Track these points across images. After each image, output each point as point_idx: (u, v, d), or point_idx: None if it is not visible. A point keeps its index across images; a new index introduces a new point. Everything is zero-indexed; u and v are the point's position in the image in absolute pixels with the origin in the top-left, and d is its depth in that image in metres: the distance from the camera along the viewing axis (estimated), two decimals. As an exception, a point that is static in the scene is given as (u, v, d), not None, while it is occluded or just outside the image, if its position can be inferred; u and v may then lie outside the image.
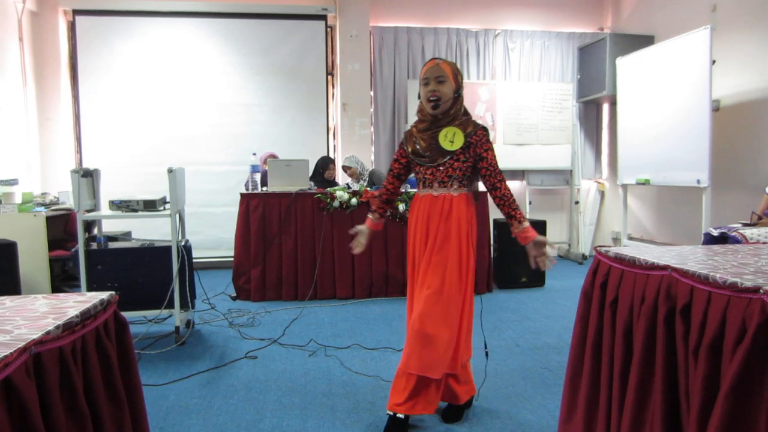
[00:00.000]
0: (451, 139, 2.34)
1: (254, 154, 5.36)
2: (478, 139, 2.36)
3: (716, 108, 5.19)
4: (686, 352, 1.48)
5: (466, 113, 2.45)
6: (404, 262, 4.96)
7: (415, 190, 5.08)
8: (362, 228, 2.60)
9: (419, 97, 2.42)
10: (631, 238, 6.46)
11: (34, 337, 1.03)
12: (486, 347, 2.88)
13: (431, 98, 2.32)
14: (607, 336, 1.85)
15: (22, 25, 5.75)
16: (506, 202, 2.38)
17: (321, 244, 4.81)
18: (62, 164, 6.15)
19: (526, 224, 2.36)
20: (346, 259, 4.90)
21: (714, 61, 4.77)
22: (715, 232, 3.80)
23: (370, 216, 2.62)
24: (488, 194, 2.47)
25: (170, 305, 3.62)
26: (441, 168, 2.38)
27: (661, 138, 5.38)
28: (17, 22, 5.70)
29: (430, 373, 2.30)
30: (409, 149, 2.44)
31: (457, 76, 2.39)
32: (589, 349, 1.94)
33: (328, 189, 4.88)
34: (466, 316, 2.45)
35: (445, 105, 2.34)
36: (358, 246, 2.59)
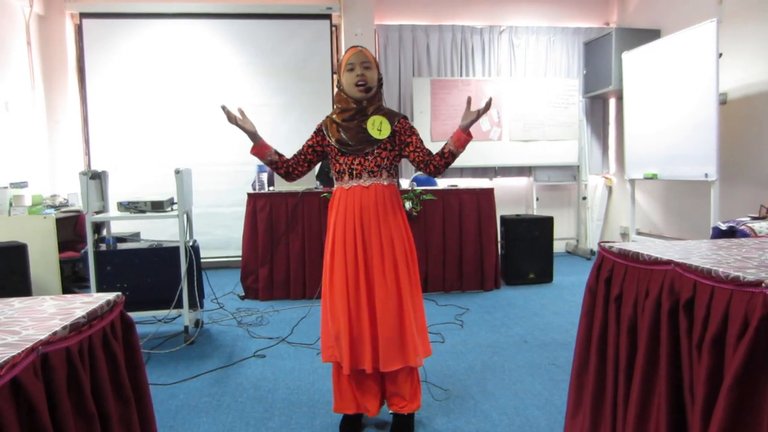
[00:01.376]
0: (378, 127, 2.31)
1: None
2: (402, 126, 2.36)
3: (723, 101, 5.15)
4: (690, 346, 1.48)
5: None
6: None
7: (424, 187, 5.12)
8: (251, 127, 2.38)
9: (338, 86, 2.37)
10: (639, 233, 6.43)
11: (42, 337, 1.05)
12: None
13: (359, 83, 2.27)
14: (612, 331, 1.85)
15: (29, 28, 5.80)
16: (441, 152, 2.31)
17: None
18: (71, 166, 6.19)
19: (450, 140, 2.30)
20: (353, 258, 4.91)
21: (721, 54, 4.73)
22: (724, 226, 3.78)
23: (271, 147, 2.44)
24: (432, 169, 2.33)
25: (179, 305, 3.65)
26: (369, 157, 2.33)
27: (668, 132, 5.35)
28: (25, 26, 5.75)
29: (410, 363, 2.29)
30: (333, 139, 2.35)
31: (378, 65, 2.39)
32: (594, 344, 1.94)
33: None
34: (419, 306, 2.40)
35: (373, 91, 2.33)
36: (233, 116, 2.36)
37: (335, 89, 2.42)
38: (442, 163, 2.32)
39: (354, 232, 2.31)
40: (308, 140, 2.45)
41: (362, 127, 2.31)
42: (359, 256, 2.30)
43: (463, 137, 2.27)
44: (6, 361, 0.92)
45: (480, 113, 2.23)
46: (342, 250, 2.32)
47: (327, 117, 2.43)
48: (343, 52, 6.57)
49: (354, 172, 2.35)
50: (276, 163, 2.44)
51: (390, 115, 2.36)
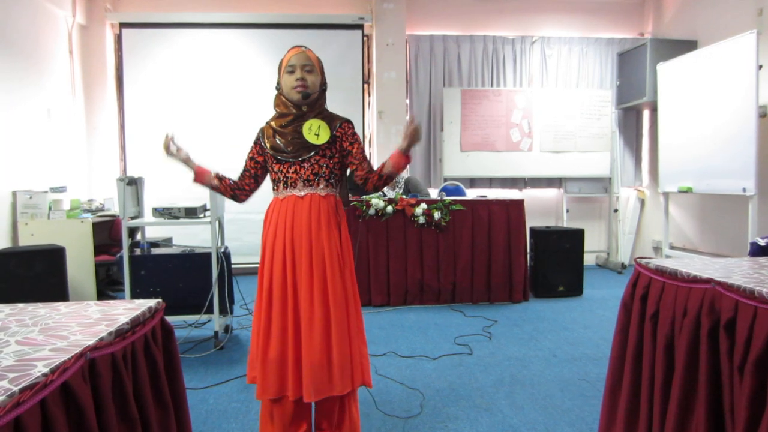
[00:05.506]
0: (316, 132, 2.12)
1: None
2: (344, 131, 2.17)
3: (763, 114, 5.04)
4: (731, 368, 1.45)
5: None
6: (440, 270, 4.98)
7: (453, 197, 5.12)
8: (184, 155, 2.34)
9: (277, 88, 2.19)
10: (672, 248, 6.31)
11: (89, 343, 1.08)
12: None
13: (298, 88, 2.10)
14: (647, 349, 1.82)
15: (72, 38, 5.98)
16: (379, 173, 2.14)
17: (356, 251, 4.85)
18: (107, 171, 6.35)
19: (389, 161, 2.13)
20: (381, 267, 4.93)
21: (761, 66, 4.64)
22: (763, 242, 3.68)
23: (210, 171, 2.34)
24: (371, 188, 2.20)
25: (209, 310, 3.70)
26: (306, 165, 2.12)
27: (705, 145, 5.25)
28: (67, 36, 5.93)
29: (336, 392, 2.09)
30: (268, 145, 2.16)
31: (323, 70, 2.21)
32: (629, 362, 1.91)
33: (364, 197, 4.92)
34: (357, 331, 2.19)
35: (313, 96, 2.14)
36: (168, 148, 2.33)
37: (276, 92, 2.21)
38: (380, 184, 2.16)
39: (283, 247, 2.11)
40: (249, 153, 2.27)
41: (298, 132, 2.13)
42: (288, 273, 2.10)
43: (403, 161, 2.10)
44: (57, 366, 0.95)
45: (410, 137, 2.04)
46: (270, 266, 2.13)
47: (265, 124, 2.24)
48: (374, 62, 6.64)
49: (288, 181, 2.15)
50: (218, 188, 2.31)
51: (330, 119, 2.18)
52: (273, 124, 2.19)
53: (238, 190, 2.32)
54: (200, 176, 2.32)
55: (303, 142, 2.12)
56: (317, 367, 2.04)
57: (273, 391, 2.09)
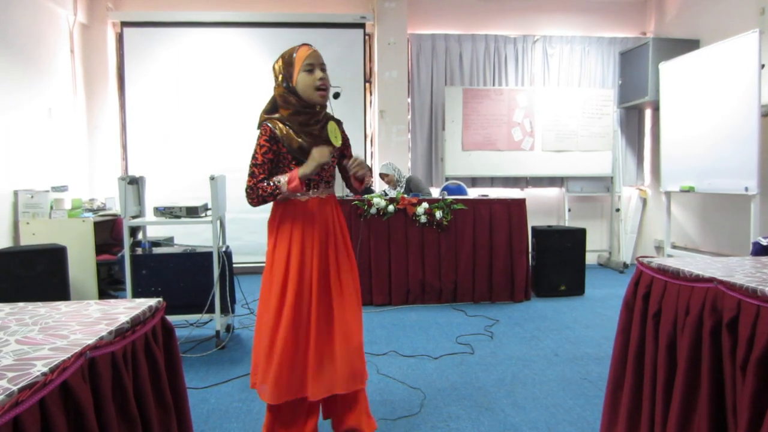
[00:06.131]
0: (334, 134, 2.18)
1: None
2: (345, 135, 2.26)
3: (766, 113, 5.02)
4: (733, 367, 1.44)
5: None
6: (441, 269, 4.97)
7: (455, 196, 5.11)
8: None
9: (285, 85, 2.10)
10: (674, 247, 6.30)
11: (89, 342, 1.08)
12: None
13: (322, 86, 2.07)
14: (649, 349, 1.82)
15: (73, 37, 5.98)
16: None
17: (358, 251, 4.85)
18: (109, 171, 6.36)
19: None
20: (382, 266, 4.92)
21: (763, 66, 4.63)
22: (765, 242, 3.67)
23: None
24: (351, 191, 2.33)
25: (211, 310, 3.70)
26: (325, 166, 2.14)
27: (707, 144, 5.24)
28: (69, 35, 5.92)
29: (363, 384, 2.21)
30: (294, 146, 2.08)
31: None
32: (631, 361, 1.90)
33: (365, 196, 4.91)
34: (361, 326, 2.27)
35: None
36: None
37: (279, 88, 2.13)
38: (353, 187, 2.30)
39: (312, 248, 2.11)
40: (265, 154, 2.09)
41: (322, 134, 2.15)
42: (320, 271, 2.13)
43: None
44: (57, 365, 0.94)
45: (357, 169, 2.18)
46: (298, 267, 2.10)
47: (271, 121, 2.11)
48: (376, 61, 6.63)
49: (311, 183, 2.14)
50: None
51: (338, 121, 2.25)
52: (291, 123, 2.10)
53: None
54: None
55: (329, 144, 2.14)
56: (354, 355, 2.13)
57: (291, 392, 2.08)
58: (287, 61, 2.10)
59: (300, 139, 2.09)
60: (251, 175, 2.10)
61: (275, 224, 2.17)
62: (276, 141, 2.09)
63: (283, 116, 2.12)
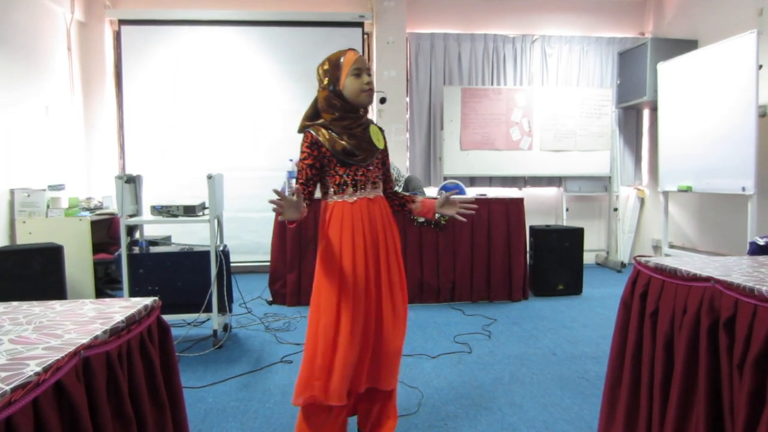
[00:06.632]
0: (377, 137, 2.23)
1: (291, 160, 5.43)
2: (386, 142, 2.31)
3: (763, 114, 5.03)
4: (730, 366, 1.44)
5: None
6: (439, 269, 4.97)
7: (454, 196, 5.08)
8: (297, 204, 1.97)
9: (331, 89, 2.11)
10: (672, 246, 6.30)
11: (84, 341, 1.07)
12: None
13: (369, 90, 2.12)
14: (647, 348, 1.82)
15: (70, 35, 5.97)
16: (397, 192, 2.38)
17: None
18: (106, 169, 6.34)
19: (419, 199, 2.36)
20: (380, 265, 4.91)
21: (761, 66, 4.63)
22: (762, 241, 3.67)
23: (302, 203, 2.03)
24: (386, 198, 2.33)
25: (208, 309, 3.69)
26: (371, 168, 2.18)
27: (704, 144, 5.24)
28: (66, 32, 5.91)
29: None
30: (338, 149, 2.10)
31: None
32: (628, 360, 1.90)
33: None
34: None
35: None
36: (288, 214, 1.97)
37: (325, 92, 2.14)
38: (396, 210, 2.34)
39: (364, 248, 2.14)
40: (305, 161, 2.11)
41: (366, 136, 2.18)
42: (372, 272, 2.15)
43: (430, 204, 2.31)
44: (50, 364, 0.94)
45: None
46: (352, 269, 2.11)
47: (314, 128, 2.13)
48: (374, 60, 6.62)
49: (358, 184, 2.16)
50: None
51: (380, 128, 2.31)
52: (334, 128, 2.12)
53: (307, 204, 2.12)
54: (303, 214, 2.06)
55: (371, 146, 2.18)
56: (397, 353, 2.23)
57: (343, 396, 2.09)
58: (334, 64, 2.13)
59: (344, 142, 2.11)
60: (296, 179, 2.19)
61: (325, 226, 2.21)
62: (318, 146, 2.11)
63: (326, 121, 2.15)
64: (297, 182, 2.14)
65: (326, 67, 2.15)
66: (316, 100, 2.20)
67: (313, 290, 2.20)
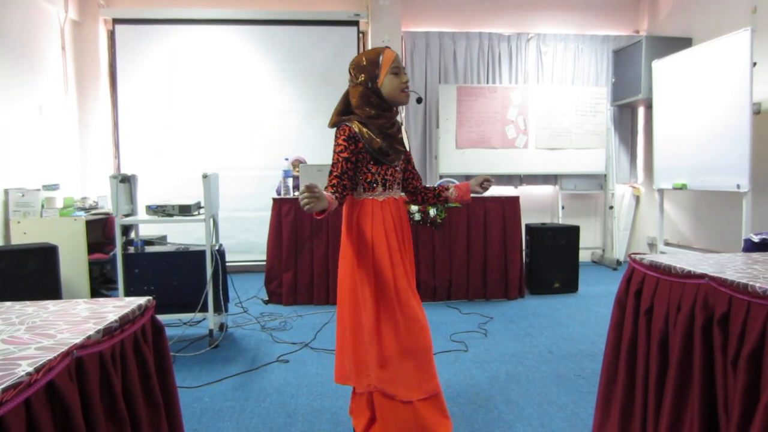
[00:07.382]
0: (407, 137, 2.29)
1: (287, 159, 5.42)
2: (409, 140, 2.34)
3: (757, 111, 5.04)
4: (725, 362, 1.45)
5: None
6: (435, 267, 4.97)
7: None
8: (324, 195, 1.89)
9: (370, 86, 2.11)
10: (667, 244, 6.32)
11: (76, 341, 1.07)
12: None
13: (407, 89, 2.15)
14: (642, 345, 1.82)
15: (64, 34, 5.94)
16: (435, 195, 2.41)
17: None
18: (101, 169, 6.31)
19: (452, 185, 2.43)
20: (376, 264, 4.91)
21: (755, 64, 4.64)
22: (756, 239, 3.68)
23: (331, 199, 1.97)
24: (419, 200, 2.41)
25: (204, 308, 3.69)
26: (397, 168, 2.23)
27: (699, 142, 5.25)
28: (60, 31, 5.88)
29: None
30: (375, 146, 2.10)
31: None
32: (623, 357, 1.91)
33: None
34: None
35: None
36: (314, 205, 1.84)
37: (360, 88, 2.13)
38: (432, 201, 2.38)
39: (396, 245, 2.16)
40: (342, 154, 2.08)
41: (399, 137, 2.21)
42: (399, 271, 2.16)
43: (465, 188, 2.39)
44: (42, 364, 0.93)
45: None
46: (389, 264, 2.13)
47: (351, 121, 2.12)
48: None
49: (387, 183, 2.19)
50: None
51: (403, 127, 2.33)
52: (370, 126, 2.11)
53: (340, 196, 2.07)
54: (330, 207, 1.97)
55: (402, 146, 2.21)
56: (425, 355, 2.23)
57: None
58: (373, 61, 2.12)
59: (380, 140, 2.12)
60: (329, 172, 2.12)
61: (353, 223, 2.19)
62: (356, 140, 2.10)
63: (360, 117, 2.13)
64: (331, 174, 2.09)
65: (363, 63, 2.14)
66: (346, 96, 2.20)
67: (344, 280, 2.21)
